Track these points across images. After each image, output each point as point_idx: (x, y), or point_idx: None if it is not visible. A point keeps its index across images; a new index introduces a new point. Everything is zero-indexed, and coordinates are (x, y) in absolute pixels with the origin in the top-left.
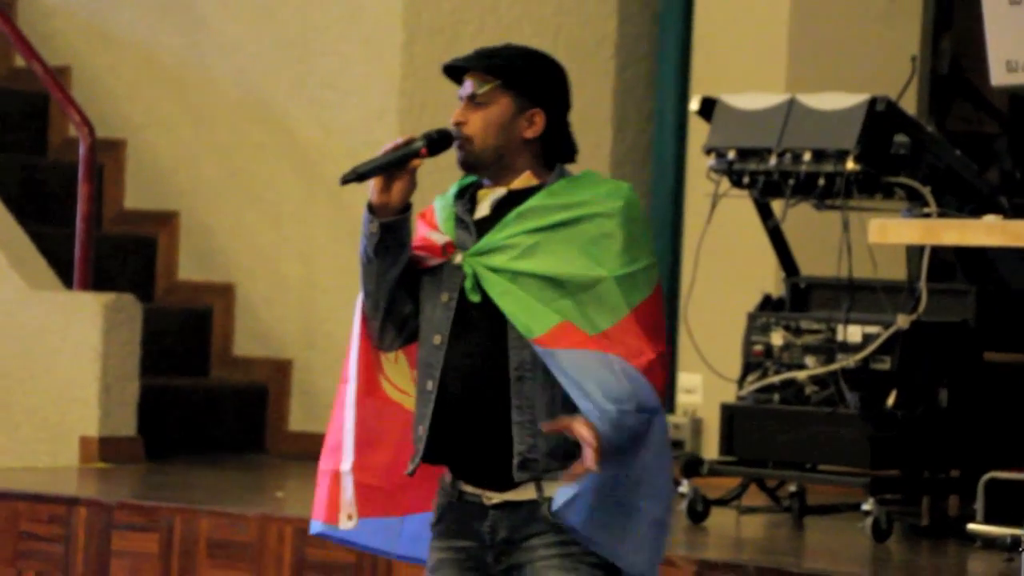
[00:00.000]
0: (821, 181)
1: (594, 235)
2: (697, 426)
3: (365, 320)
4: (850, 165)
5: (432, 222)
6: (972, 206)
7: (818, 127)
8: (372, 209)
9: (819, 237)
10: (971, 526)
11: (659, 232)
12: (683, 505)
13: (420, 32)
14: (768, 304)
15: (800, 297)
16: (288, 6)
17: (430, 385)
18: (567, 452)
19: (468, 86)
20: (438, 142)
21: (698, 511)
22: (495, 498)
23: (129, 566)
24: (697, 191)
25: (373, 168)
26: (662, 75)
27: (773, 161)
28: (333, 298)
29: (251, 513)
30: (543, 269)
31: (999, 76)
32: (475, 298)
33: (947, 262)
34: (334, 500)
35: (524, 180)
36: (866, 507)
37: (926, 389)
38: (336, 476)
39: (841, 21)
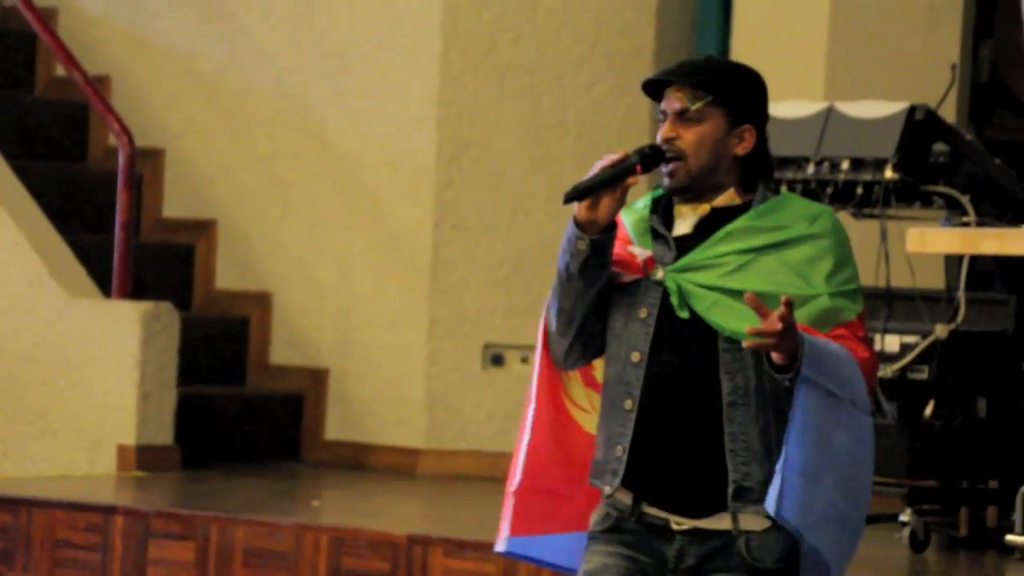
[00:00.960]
0: (859, 190)
1: (806, 256)
2: None
3: (547, 337)
4: (888, 174)
5: (624, 236)
6: (1011, 215)
7: (856, 136)
8: (579, 226)
9: (857, 246)
10: (1009, 537)
11: None
12: None
13: (458, 40)
14: None
15: None
16: (326, 15)
17: (628, 404)
18: None
19: (675, 101)
20: (651, 158)
21: None
22: (685, 524)
23: (165, 574)
24: None
25: (593, 185)
26: None
27: (811, 169)
28: (369, 307)
29: (287, 522)
30: (756, 286)
31: None
32: (684, 314)
33: (986, 271)
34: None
35: (728, 198)
36: (904, 518)
37: (964, 399)
38: (510, 497)
39: (880, 29)
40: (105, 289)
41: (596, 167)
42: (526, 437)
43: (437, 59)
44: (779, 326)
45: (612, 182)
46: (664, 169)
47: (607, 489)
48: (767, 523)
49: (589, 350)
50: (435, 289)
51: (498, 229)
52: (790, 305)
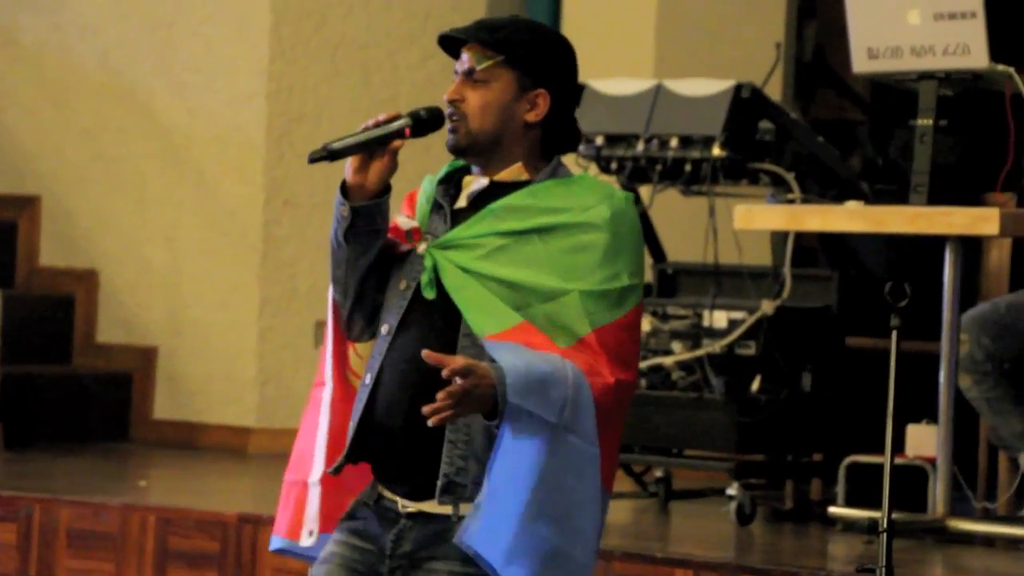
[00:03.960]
0: (688, 167)
1: (571, 246)
2: None
3: (336, 311)
4: (716, 151)
5: (412, 205)
6: (835, 192)
7: (685, 113)
8: (345, 191)
9: (686, 223)
10: (832, 509)
11: None
12: None
13: (288, 14)
14: None
15: (667, 283)
16: None
17: (368, 378)
18: None
19: (466, 60)
20: (427, 122)
21: None
22: (411, 506)
23: None
24: None
25: (349, 146)
26: None
27: (640, 147)
28: (199, 284)
29: (113, 502)
30: (504, 275)
31: (861, 63)
32: (430, 294)
33: (811, 248)
34: (299, 514)
35: (512, 172)
36: (731, 491)
37: (790, 374)
38: (304, 488)
39: (707, 8)
40: None
41: (361, 126)
42: (324, 420)
43: (267, 33)
44: (451, 400)
45: (372, 145)
46: (448, 126)
47: (334, 465)
48: None
49: (374, 323)
50: (266, 267)
51: (330, 205)
52: (458, 372)
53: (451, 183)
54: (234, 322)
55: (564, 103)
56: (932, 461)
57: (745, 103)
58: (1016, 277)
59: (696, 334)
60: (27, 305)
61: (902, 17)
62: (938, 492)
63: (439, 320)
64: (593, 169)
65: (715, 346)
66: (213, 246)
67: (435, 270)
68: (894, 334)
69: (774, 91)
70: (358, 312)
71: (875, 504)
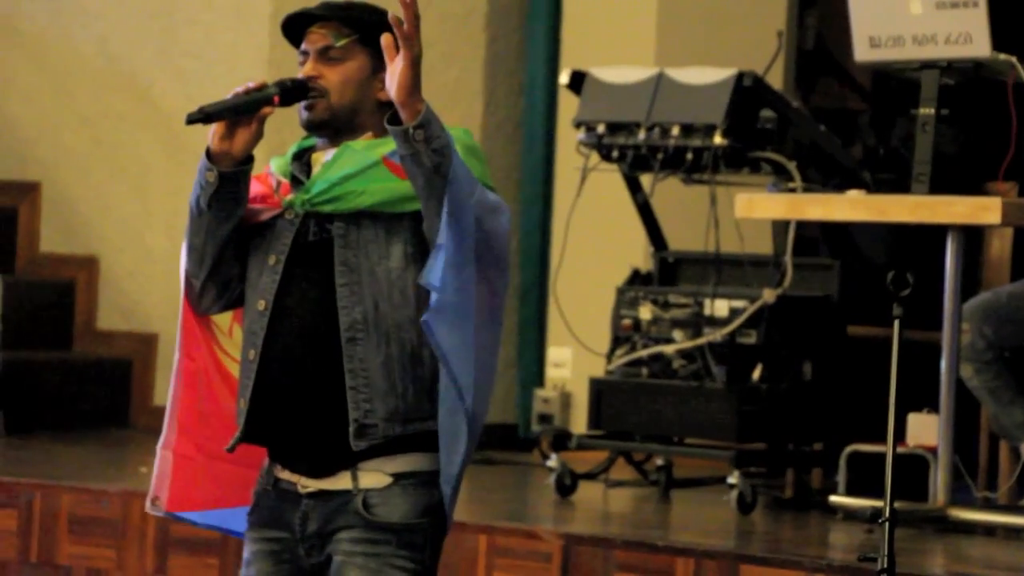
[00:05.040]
0: (689, 155)
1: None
2: (566, 400)
3: (188, 282)
4: (717, 139)
5: (267, 184)
6: (836, 181)
7: (686, 101)
8: (211, 157)
9: (687, 211)
10: (833, 498)
11: (529, 206)
12: (551, 479)
13: (288, 1)
14: (637, 278)
15: (668, 271)
16: None
17: (252, 355)
18: (407, 416)
19: (318, 39)
20: (292, 91)
21: (566, 485)
22: (310, 486)
23: None
24: (567, 165)
25: (222, 110)
26: (532, 48)
27: (642, 135)
28: None
29: (114, 489)
30: (378, 188)
31: (863, 52)
32: (304, 208)
33: (812, 237)
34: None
35: (364, 140)
36: (731, 480)
37: (791, 363)
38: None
39: None
40: None
41: (231, 93)
42: (175, 393)
43: (267, 20)
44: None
45: (244, 110)
46: (302, 104)
47: (230, 443)
48: (388, 480)
49: (225, 295)
50: None
51: None
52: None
53: (302, 161)
54: None
55: None
56: (933, 450)
57: (746, 91)
58: (1018, 266)
59: (697, 322)
60: (27, 291)
61: (904, 6)
62: (939, 481)
63: (314, 291)
64: (594, 157)
65: (716, 334)
66: None
67: (309, 213)
68: (896, 323)
69: (775, 79)
70: (212, 282)
71: (876, 493)
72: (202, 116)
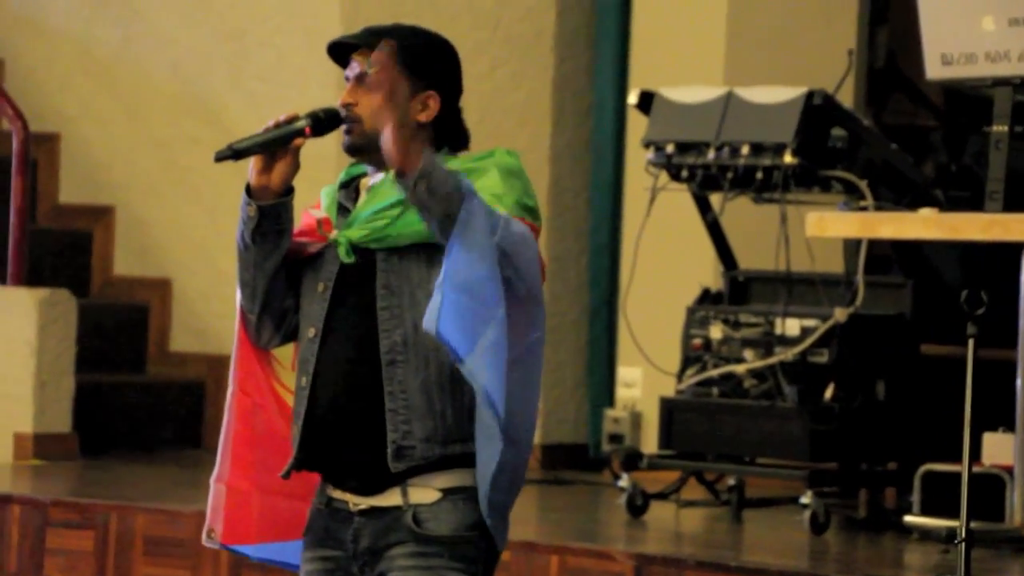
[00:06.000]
0: (759, 175)
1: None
2: (636, 420)
3: (244, 317)
4: (788, 158)
5: (313, 220)
6: (908, 199)
7: (756, 121)
8: (250, 192)
9: (757, 231)
10: (908, 518)
11: (598, 227)
12: (622, 499)
13: (358, 24)
14: (707, 298)
15: (738, 290)
16: None
17: (304, 381)
18: (447, 437)
19: (356, 66)
20: (324, 122)
21: (637, 505)
22: (361, 503)
23: (64, 564)
24: (636, 185)
25: (252, 146)
26: (601, 68)
27: (711, 155)
28: None
29: (188, 510)
30: (417, 225)
31: (934, 69)
32: (348, 259)
33: (884, 256)
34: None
35: None
36: (804, 500)
37: (863, 382)
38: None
39: (778, 14)
40: (0, 276)
41: (263, 127)
42: (229, 427)
43: None
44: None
45: (274, 145)
46: (343, 128)
47: (284, 469)
48: (438, 495)
49: (283, 327)
50: None
51: None
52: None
53: (350, 188)
54: None
55: (452, 104)
56: (1009, 469)
57: (817, 110)
58: None
59: (768, 342)
60: (102, 314)
61: (976, 23)
62: (1016, 501)
63: (356, 308)
64: (664, 177)
65: (788, 354)
66: None
67: (348, 244)
68: (971, 342)
69: (846, 98)
70: (267, 315)
71: (950, 513)
72: (231, 154)
